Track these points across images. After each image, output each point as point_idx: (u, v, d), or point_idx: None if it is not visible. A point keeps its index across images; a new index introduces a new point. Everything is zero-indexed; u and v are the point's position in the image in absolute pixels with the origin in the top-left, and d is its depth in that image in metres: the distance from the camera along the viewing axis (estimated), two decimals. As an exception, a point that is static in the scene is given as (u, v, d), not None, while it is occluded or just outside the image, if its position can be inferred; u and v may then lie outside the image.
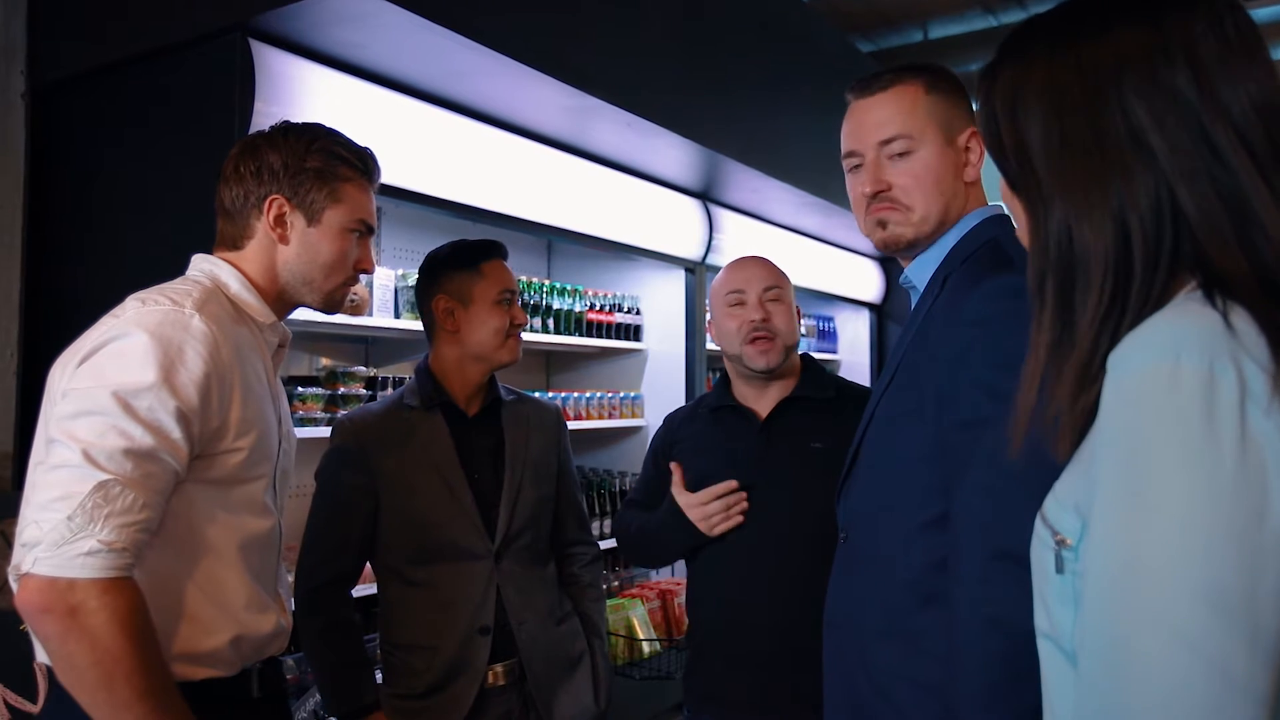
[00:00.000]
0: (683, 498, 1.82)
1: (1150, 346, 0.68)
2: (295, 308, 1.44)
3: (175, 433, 1.16)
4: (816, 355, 3.25)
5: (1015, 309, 1.08)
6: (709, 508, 1.79)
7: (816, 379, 1.91)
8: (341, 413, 2.33)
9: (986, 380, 1.11)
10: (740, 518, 1.79)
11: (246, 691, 1.33)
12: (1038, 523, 0.80)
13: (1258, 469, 0.63)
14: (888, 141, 1.32)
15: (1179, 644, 0.62)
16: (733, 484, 1.79)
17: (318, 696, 2.35)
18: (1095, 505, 0.70)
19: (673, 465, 1.86)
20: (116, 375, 1.15)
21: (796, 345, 1.89)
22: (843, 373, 4.93)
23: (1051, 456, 0.78)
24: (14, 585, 1.10)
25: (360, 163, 1.43)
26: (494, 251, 1.93)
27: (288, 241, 1.38)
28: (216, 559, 1.26)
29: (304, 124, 1.42)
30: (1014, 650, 0.98)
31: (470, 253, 1.92)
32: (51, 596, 1.07)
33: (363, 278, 2.61)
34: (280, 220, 1.37)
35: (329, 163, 1.38)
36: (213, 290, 1.31)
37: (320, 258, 1.39)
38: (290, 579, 1.81)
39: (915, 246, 1.34)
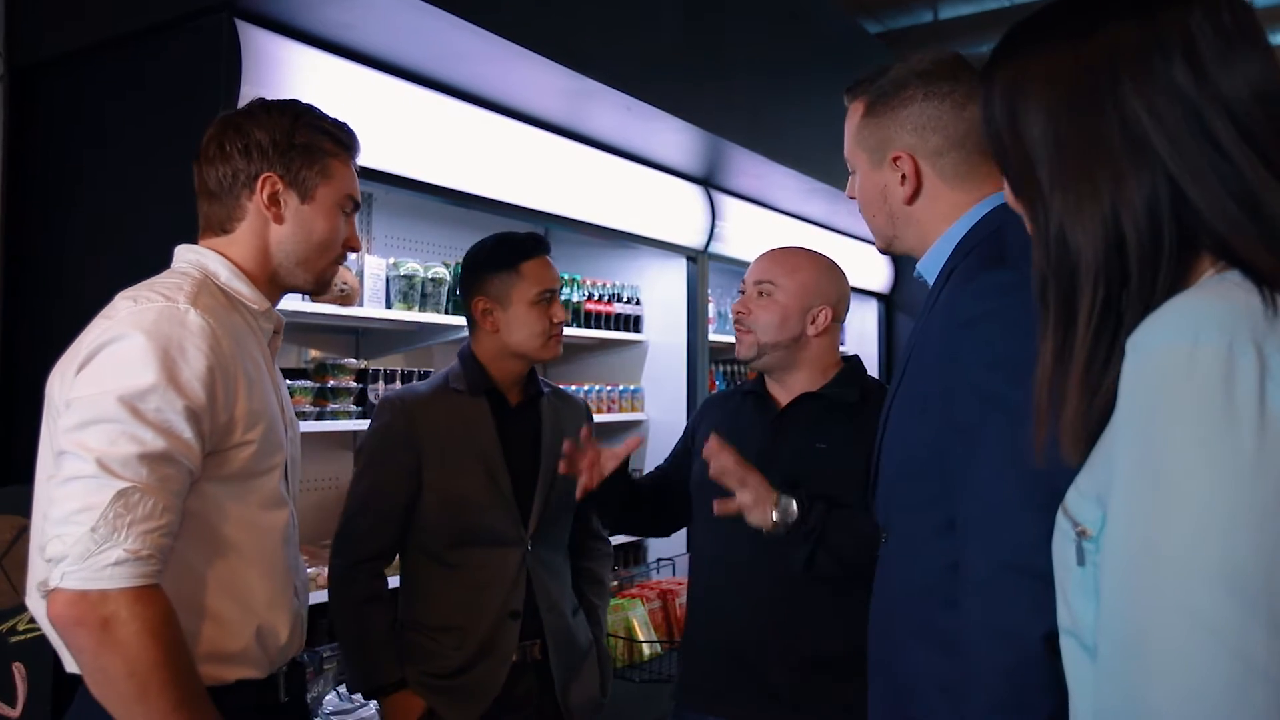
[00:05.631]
0: None
1: (1168, 327, 0.68)
2: (286, 292, 1.43)
3: (186, 432, 1.16)
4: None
5: (1004, 307, 1.08)
6: None
7: (845, 379, 1.86)
8: (385, 389, 2.44)
9: (975, 383, 1.09)
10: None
11: (274, 696, 1.34)
12: (1059, 516, 0.80)
13: (1278, 450, 0.63)
14: None
15: (1197, 629, 0.62)
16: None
17: (314, 691, 2.38)
18: (1113, 490, 0.70)
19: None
20: (118, 379, 1.14)
21: (788, 343, 1.82)
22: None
23: (1058, 462, 0.78)
24: (43, 601, 1.11)
25: (345, 137, 1.43)
26: (535, 249, 1.94)
27: (282, 220, 1.37)
28: (239, 556, 1.27)
29: (282, 100, 1.42)
30: (1023, 662, 0.99)
31: (510, 252, 1.92)
32: (83, 609, 1.08)
33: (354, 267, 2.59)
34: (274, 199, 1.36)
35: (316, 138, 1.38)
36: (203, 281, 1.30)
37: (315, 236, 1.38)
38: (308, 569, 1.83)
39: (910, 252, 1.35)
